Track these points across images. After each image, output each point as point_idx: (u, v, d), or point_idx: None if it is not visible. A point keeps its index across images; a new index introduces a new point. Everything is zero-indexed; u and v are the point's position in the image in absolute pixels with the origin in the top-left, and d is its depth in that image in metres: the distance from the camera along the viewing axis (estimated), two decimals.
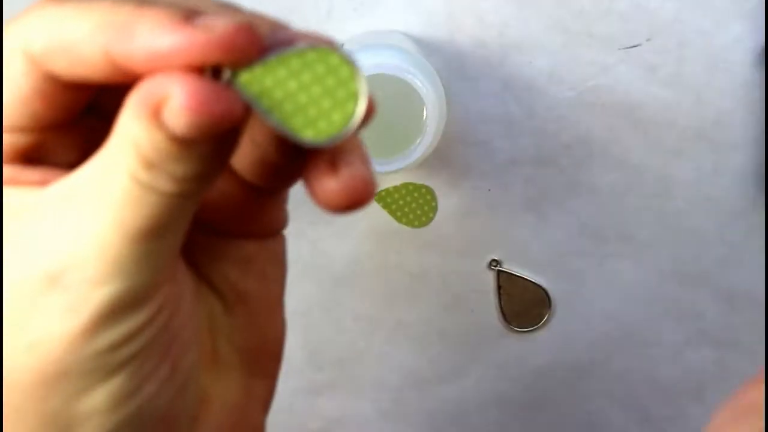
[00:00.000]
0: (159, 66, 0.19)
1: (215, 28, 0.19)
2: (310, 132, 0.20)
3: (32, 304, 0.21)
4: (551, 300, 0.51)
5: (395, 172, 0.43)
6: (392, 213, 0.50)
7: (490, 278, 0.51)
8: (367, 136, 0.23)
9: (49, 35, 0.20)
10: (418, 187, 0.50)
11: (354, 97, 0.20)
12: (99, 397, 0.21)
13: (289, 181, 0.26)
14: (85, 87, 0.22)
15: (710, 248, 0.50)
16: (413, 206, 0.50)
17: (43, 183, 0.22)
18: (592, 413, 0.53)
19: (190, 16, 0.19)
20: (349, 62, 0.20)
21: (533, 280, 0.51)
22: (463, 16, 0.47)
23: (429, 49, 0.47)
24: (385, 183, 0.50)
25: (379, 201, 0.50)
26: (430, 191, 0.50)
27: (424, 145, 0.42)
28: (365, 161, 0.22)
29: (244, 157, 0.25)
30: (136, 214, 0.20)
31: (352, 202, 0.21)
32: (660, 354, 0.52)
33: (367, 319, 0.52)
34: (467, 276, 0.51)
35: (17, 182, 0.22)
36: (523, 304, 0.51)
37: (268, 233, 0.26)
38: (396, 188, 0.50)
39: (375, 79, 0.39)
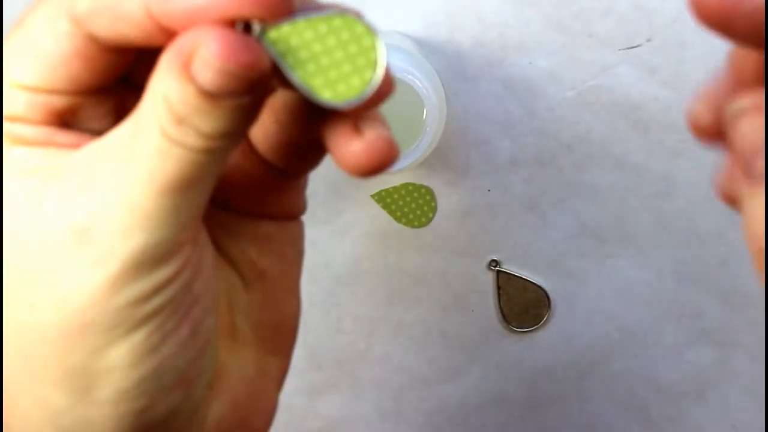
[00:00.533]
0: (195, 20, 0.20)
1: None
2: (328, 93, 0.21)
3: (60, 258, 0.22)
4: (551, 300, 0.51)
5: (395, 172, 0.43)
6: (392, 213, 0.50)
7: (490, 279, 0.51)
8: None
9: None
10: (417, 188, 0.50)
11: (373, 65, 0.21)
12: (120, 352, 0.22)
13: (310, 164, 0.27)
14: (122, 51, 0.23)
15: (710, 248, 0.50)
16: (413, 206, 0.50)
17: (75, 146, 0.23)
18: (592, 413, 0.53)
19: None
20: (372, 33, 0.21)
21: (533, 281, 0.51)
22: (463, 16, 0.47)
23: (429, 49, 0.47)
24: (384, 183, 0.50)
25: (378, 201, 0.50)
26: (429, 191, 0.50)
27: (423, 145, 0.42)
28: (387, 128, 0.23)
29: (267, 138, 0.26)
30: (163, 167, 0.21)
31: (377, 163, 0.22)
32: (660, 354, 0.52)
33: (367, 319, 0.52)
34: (467, 276, 0.51)
35: (51, 144, 0.23)
36: (522, 304, 0.51)
37: (287, 216, 0.27)
38: (396, 188, 0.50)
39: None
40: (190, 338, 0.23)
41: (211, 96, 0.20)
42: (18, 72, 0.23)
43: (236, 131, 0.22)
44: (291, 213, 0.28)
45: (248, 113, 0.22)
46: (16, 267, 0.22)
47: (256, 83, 0.21)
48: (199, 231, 0.24)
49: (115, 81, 0.24)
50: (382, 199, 0.50)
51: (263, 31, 0.21)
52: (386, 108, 0.23)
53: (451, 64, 0.47)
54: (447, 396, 0.53)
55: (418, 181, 0.50)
